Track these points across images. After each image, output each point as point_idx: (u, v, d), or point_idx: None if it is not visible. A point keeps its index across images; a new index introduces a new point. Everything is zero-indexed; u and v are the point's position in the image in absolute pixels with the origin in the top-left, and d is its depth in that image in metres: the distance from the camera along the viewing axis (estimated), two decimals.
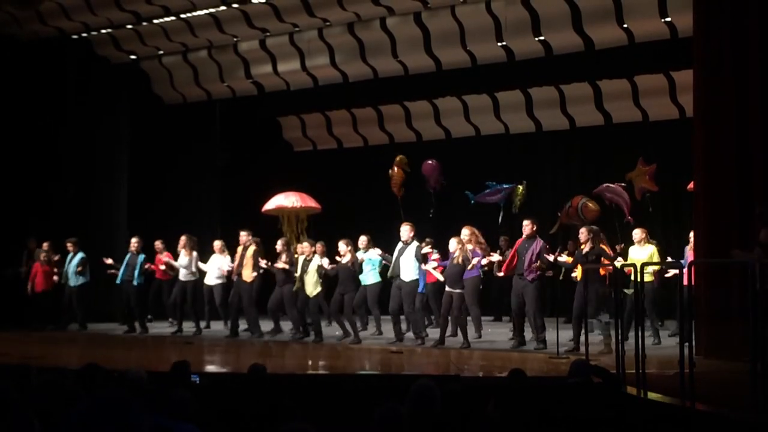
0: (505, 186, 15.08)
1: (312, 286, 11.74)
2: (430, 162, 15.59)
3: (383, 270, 11.91)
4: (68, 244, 13.81)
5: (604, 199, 14.06)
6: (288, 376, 8.21)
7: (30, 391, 3.39)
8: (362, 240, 11.98)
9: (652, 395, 6.39)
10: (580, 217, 13.70)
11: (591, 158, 15.93)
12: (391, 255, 11.67)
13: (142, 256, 13.32)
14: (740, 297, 7.70)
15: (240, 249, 12.54)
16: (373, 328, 12.67)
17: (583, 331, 9.08)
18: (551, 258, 10.67)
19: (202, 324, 13.71)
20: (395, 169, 15.62)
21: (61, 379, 3.45)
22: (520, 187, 14.98)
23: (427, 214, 15.47)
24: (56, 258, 13.99)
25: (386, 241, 12.86)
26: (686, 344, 6.18)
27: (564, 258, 11.07)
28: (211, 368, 9.70)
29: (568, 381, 5.93)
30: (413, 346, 10.87)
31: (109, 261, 13.51)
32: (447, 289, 10.94)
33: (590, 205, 13.89)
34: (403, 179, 15.65)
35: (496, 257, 11.46)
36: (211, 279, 13.28)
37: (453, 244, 10.92)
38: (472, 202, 15.13)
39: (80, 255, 13.72)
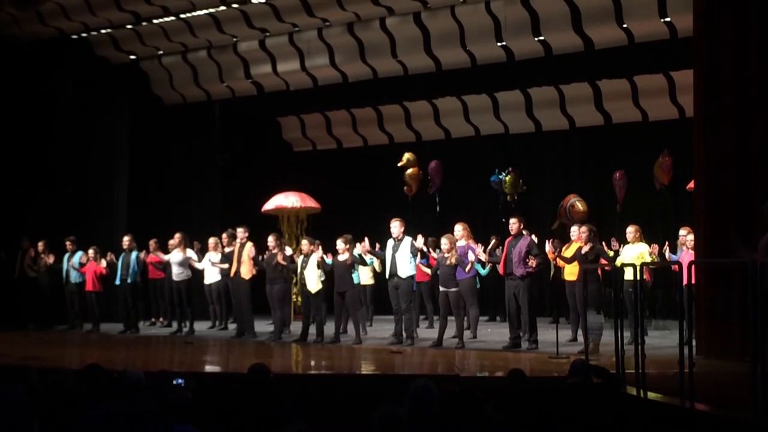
0: (492, 180, 15.18)
1: (314, 283, 11.55)
2: (435, 163, 15.61)
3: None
4: (67, 243, 13.80)
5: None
6: (287, 376, 8.20)
7: (31, 393, 3.38)
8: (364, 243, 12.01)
9: (652, 395, 6.39)
10: (568, 217, 13.68)
11: (591, 158, 15.94)
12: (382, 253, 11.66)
13: (134, 253, 13.30)
14: (740, 297, 7.69)
15: (237, 246, 12.45)
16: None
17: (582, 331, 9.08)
18: (551, 256, 10.71)
19: (208, 324, 13.72)
20: (413, 169, 15.59)
21: (62, 380, 3.45)
22: (506, 178, 14.94)
23: (430, 212, 15.51)
24: (51, 260, 13.93)
25: (386, 241, 12.86)
26: (686, 344, 6.18)
27: (562, 262, 10.90)
28: (209, 368, 9.70)
29: (568, 381, 5.92)
30: (406, 346, 10.80)
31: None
32: (441, 289, 10.88)
33: (578, 205, 13.83)
34: (420, 176, 15.73)
35: (482, 255, 11.16)
36: (210, 277, 13.30)
37: (445, 243, 10.78)
38: (492, 179, 15.33)
39: (79, 253, 13.71)
